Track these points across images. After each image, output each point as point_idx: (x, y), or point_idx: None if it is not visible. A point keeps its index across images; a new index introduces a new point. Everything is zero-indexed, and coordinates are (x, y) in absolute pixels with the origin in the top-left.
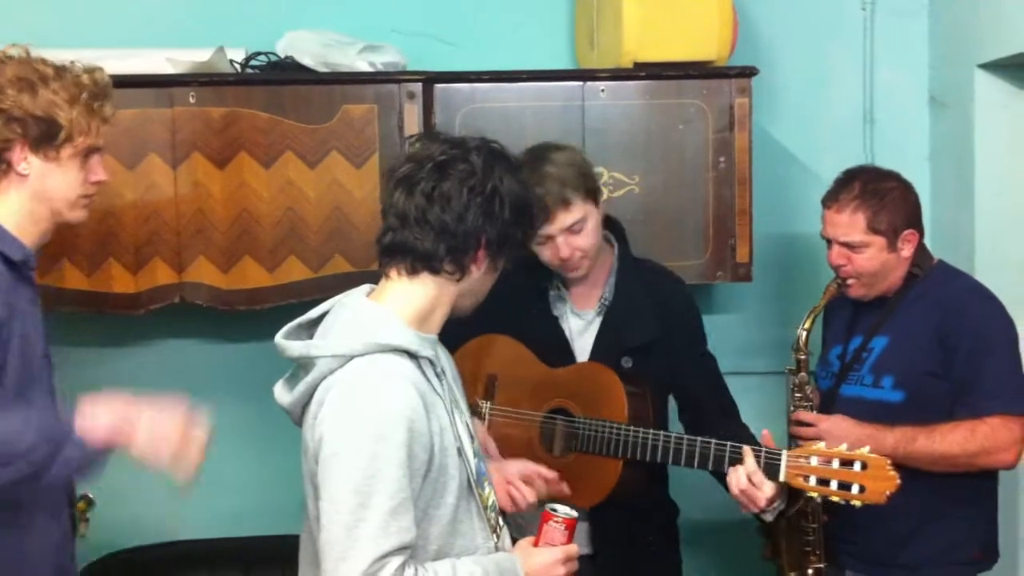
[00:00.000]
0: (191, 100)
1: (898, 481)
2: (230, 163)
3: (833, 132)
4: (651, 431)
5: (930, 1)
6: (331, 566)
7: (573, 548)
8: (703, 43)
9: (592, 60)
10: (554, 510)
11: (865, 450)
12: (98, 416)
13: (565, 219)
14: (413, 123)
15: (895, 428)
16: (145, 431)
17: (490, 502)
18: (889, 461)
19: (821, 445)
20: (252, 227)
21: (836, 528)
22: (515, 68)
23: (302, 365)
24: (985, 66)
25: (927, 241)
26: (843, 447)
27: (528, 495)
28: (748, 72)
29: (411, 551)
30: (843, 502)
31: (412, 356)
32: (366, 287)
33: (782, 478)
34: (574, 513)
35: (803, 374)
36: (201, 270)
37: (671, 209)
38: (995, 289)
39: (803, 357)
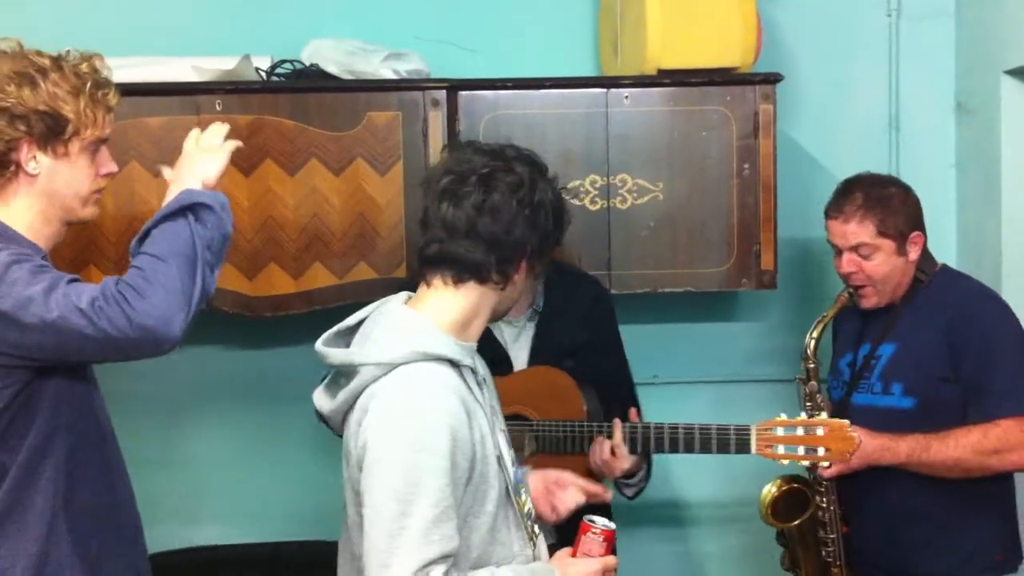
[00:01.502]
0: (217, 108)
1: (858, 440)
2: (256, 170)
3: (858, 139)
4: (628, 423)
5: (956, 7)
6: (374, 573)
7: (611, 560)
8: (727, 50)
9: (616, 67)
10: (592, 521)
11: (823, 415)
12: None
13: None
14: (437, 130)
15: (908, 436)
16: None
17: (527, 510)
18: (848, 424)
19: (783, 416)
20: (277, 234)
21: (856, 539)
22: (539, 75)
23: (344, 372)
24: (1011, 72)
25: (954, 249)
26: (802, 415)
27: (569, 503)
28: (772, 79)
29: (453, 559)
30: (809, 464)
31: (454, 365)
32: (404, 294)
33: (753, 451)
34: (612, 525)
35: (813, 383)
36: (227, 277)
37: (695, 216)
38: (1023, 296)
39: (812, 366)
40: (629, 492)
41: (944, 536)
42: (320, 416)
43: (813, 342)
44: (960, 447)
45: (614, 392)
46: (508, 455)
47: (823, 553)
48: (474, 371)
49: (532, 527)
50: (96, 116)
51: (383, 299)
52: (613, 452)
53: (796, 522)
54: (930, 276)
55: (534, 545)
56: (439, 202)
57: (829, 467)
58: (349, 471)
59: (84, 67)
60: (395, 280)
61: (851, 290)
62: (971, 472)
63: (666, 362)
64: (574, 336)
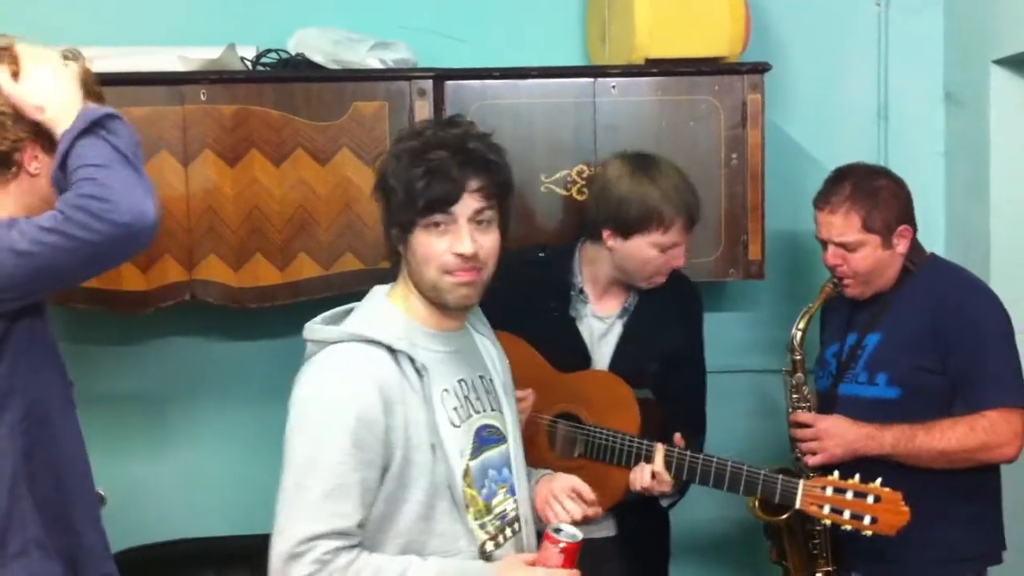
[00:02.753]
0: (202, 97)
1: (909, 516)
2: (241, 160)
3: (847, 129)
4: (670, 448)
5: None
6: (272, 537)
7: (565, 574)
8: (715, 39)
9: (603, 56)
10: (557, 531)
11: (878, 483)
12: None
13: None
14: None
15: (893, 427)
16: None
17: (495, 508)
18: (902, 498)
19: (835, 475)
20: (263, 225)
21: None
22: (526, 65)
23: None
24: (1000, 62)
25: (942, 238)
26: (856, 478)
27: (561, 514)
28: (761, 68)
29: (354, 538)
30: (854, 530)
31: (391, 350)
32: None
33: (798, 506)
34: (579, 536)
35: (799, 375)
36: (212, 268)
37: None
38: (1011, 286)
39: (798, 357)
40: (664, 503)
41: (927, 527)
42: None
43: (799, 334)
44: (946, 438)
45: (685, 403)
46: (458, 446)
47: (810, 545)
48: (412, 359)
49: (503, 525)
50: None
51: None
52: (654, 476)
53: (784, 516)
54: (919, 266)
55: (497, 544)
56: None
57: (816, 455)
58: None
59: (76, 65)
60: (381, 271)
61: (835, 281)
62: (956, 464)
63: None
64: (661, 344)
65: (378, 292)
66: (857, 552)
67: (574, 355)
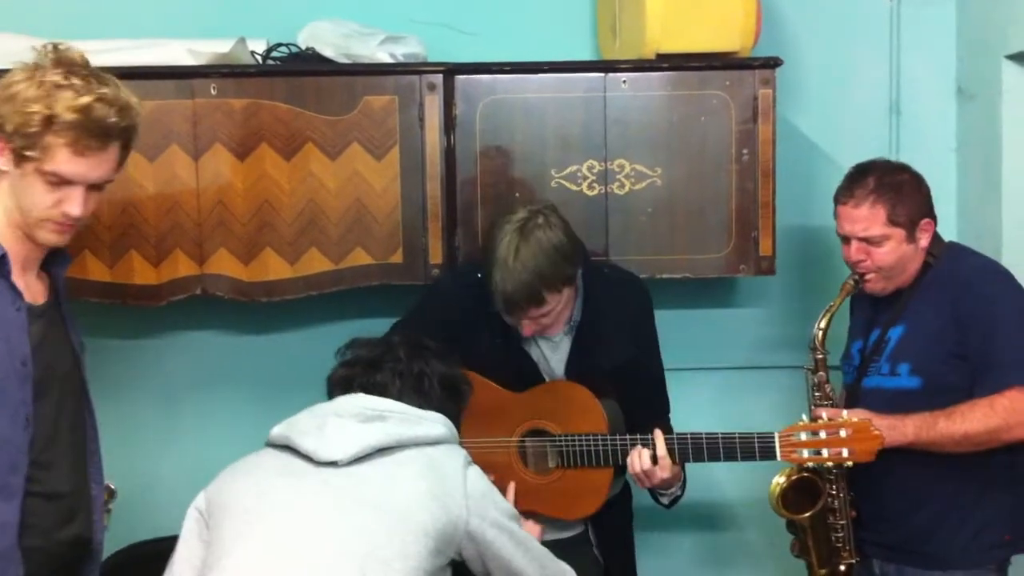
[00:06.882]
0: (212, 92)
1: (883, 439)
2: (251, 155)
3: (858, 124)
4: (639, 436)
5: None
6: None
7: None
8: (726, 34)
9: (614, 51)
10: None
11: (844, 415)
12: None
13: (535, 313)
14: (434, 115)
15: (914, 415)
16: None
17: None
18: (871, 422)
19: (804, 419)
20: (273, 219)
21: (864, 523)
22: (536, 59)
23: None
24: (1013, 57)
25: (954, 234)
26: (824, 417)
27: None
28: (772, 63)
29: None
30: (835, 467)
31: None
32: None
33: (779, 458)
34: None
35: (821, 373)
36: (222, 262)
37: (693, 201)
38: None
39: (820, 356)
40: (665, 500)
41: (951, 517)
42: None
43: (821, 332)
44: (967, 421)
45: (648, 404)
46: None
47: (833, 539)
48: None
49: None
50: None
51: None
52: (655, 462)
53: (807, 514)
54: (938, 258)
55: None
56: None
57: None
58: None
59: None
60: (391, 265)
61: (856, 277)
62: (980, 446)
63: (666, 349)
64: (613, 352)
65: None
66: (878, 543)
67: (528, 377)
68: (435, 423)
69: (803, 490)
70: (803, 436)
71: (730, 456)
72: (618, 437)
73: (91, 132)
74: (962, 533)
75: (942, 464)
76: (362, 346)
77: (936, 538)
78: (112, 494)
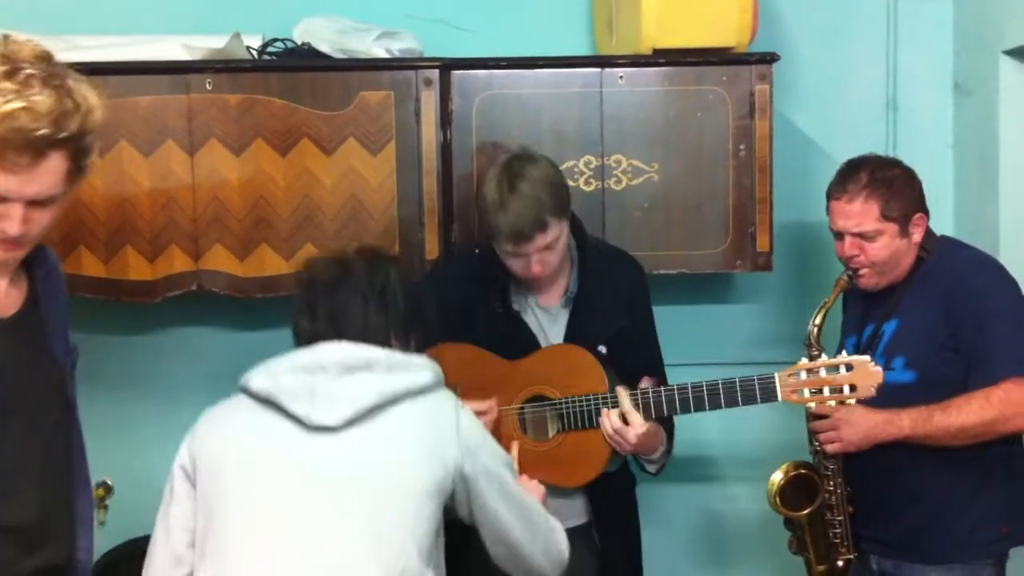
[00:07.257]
0: (207, 87)
1: (883, 374)
2: (246, 150)
3: (855, 119)
4: (639, 389)
5: None
6: None
7: None
8: (723, 29)
9: (611, 46)
10: None
11: (844, 354)
12: None
13: (541, 241)
14: (430, 110)
15: (910, 409)
16: None
17: None
18: (870, 359)
19: (804, 360)
20: (269, 214)
21: (861, 519)
22: (533, 54)
23: None
24: (1010, 52)
25: (951, 229)
26: (823, 356)
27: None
28: (769, 58)
29: None
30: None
31: None
32: None
33: (780, 399)
34: None
35: None
36: (218, 258)
37: (690, 197)
38: (1020, 277)
39: (816, 353)
40: (652, 468)
41: (948, 512)
42: None
43: (815, 329)
44: (963, 414)
45: (635, 371)
46: None
47: (830, 535)
48: None
49: None
50: None
51: None
52: (625, 420)
53: (805, 512)
54: (931, 252)
55: None
56: None
57: (833, 444)
58: None
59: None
60: None
61: (850, 273)
62: (977, 438)
63: (662, 345)
64: (609, 322)
65: None
66: (875, 538)
67: (528, 350)
68: (421, 368)
69: (801, 487)
70: (804, 375)
71: (731, 401)
72: (612, 394)
73: (13, 145)
74: (959, 528)
75: (938, 459)
76: (320, 268)
77: (933, 533)
78: (108, 489)
